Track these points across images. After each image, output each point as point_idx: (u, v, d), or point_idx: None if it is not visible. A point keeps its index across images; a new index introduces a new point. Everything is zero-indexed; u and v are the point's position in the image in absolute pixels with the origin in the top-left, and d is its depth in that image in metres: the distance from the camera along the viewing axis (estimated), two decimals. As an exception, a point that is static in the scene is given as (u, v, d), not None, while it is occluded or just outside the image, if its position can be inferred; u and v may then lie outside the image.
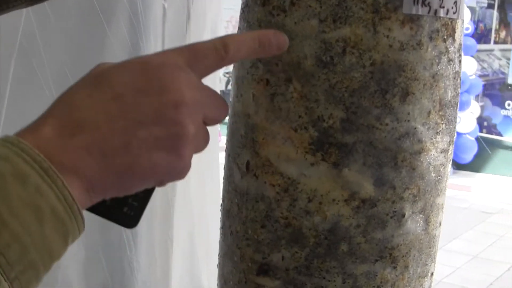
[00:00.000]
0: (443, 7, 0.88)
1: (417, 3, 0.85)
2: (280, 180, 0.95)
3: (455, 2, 0.90)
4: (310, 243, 0.95)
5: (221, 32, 1.36)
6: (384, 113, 0.90)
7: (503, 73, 5.34)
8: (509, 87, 5.36)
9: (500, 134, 5.27)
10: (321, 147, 0.91)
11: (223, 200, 1.07)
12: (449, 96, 0.96)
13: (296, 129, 0.92)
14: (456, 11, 0.91)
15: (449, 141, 1.00)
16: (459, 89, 1.01)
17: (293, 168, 0.94)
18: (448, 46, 0.93)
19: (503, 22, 5.51)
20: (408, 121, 0.91)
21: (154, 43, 1.20)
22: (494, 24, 5.59)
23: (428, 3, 0.86)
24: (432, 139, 0.95)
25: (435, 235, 1.07)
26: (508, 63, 5.36)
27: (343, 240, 0.94)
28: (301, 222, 0.95)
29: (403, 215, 0.97)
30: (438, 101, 0.94)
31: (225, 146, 1.07)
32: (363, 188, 0.93)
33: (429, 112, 0.93)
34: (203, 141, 0.48)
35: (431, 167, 0.97)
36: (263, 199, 0.97)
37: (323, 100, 0.90)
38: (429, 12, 0.87)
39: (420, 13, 0.86)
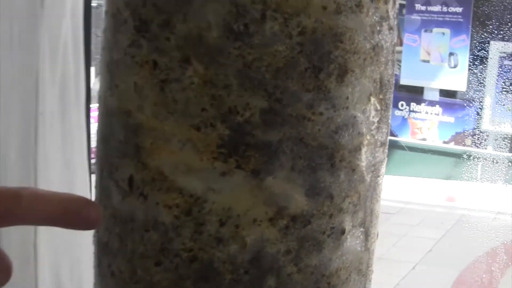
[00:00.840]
0: (385, -42, 0.68)
1: None
2: (179, 199, 0.70)
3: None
4: (226, 281, 0.71)
5: (81, 17, 1.08)
6: (318, 99, 0.68)
7: (395, 74, 5.43)
8: (402, 88, 5.45)
9: (395, 135, 5.32)
10: (235, 151, 0.68)
11: (96, 231, 0.80)
12: (389, 74, 0.77)
13: (199, 127, 0.68)
14: (398, -35, 0.71)
15: (387, 132, 0.80)
16: (395, 65, 0.82)
17: (196, 182, 0.70)
18: (389, 10, 0.73)
19: (391, 23, 5.61)
20: (347, 108, 0.70)
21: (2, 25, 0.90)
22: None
23: None
24: (371, 130, 0.75)
25: (373, 250, 0.87)
26: (400, 65, 5.44)
27: (270, 272, 0.71)
28: (211, 254, 0.71)
29: (343, 232, 0.75)
30: (378, 80, 0.74)
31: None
32: (293, 201, 0.70)
33: (370, 95, 0.73)
34: None
35: (371, 166, 0.77)
36: (156, 227, 0.72)
37: (236, 86, 0.66)
38: (370, -38, 0.66)
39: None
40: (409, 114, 5.38)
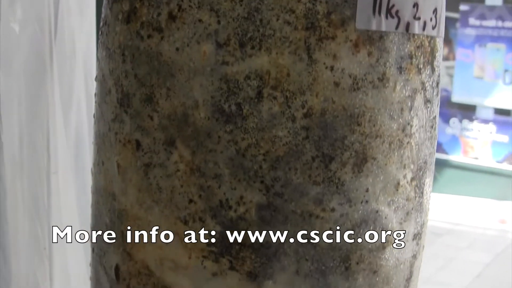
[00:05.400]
0: (418, 19, 0.51)
1: (379, 13, 0.47)
2: (166, 299, 0.56)
3: (435, 11, 0.54)
4: None
5: (94, 70, 0.94)
6: (329, 193, 0.52)
7: (446, 90, 5.08)
8: (454, 105, 5.11)
9: (446, 153, 5.00)
10: (227, 250, 0.53)
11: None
12: (425, 155, 0.59)
13: (187, 221, 0.53)
14: (436, 25, 0.54)
15: (424, 220, 0.63)
16: (436, 142, 0.64)
17: (185, 281, 0.55)
18: (425, 80, 0.56)
19: (445, 39, 5.26)
20: (367, 201, 0.54)
21: (7, 79, 0.78)
22: (436, 41, 5.28)
23: (397, 12, 0.48)
24: (401, 223, 0.58)
25: None
26: (451, 81, 5.10)
27: None
28: None
29: None
30: (409, 166, 0.57)
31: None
32: (299, 310, 0.54)
33: (398, 184, 0.56)
34: None
35: (400, 264, 0.59)
36: (142, 327, 0.58)
37: (228, 176, 0.51)
38: (397, 26, 0.50)
39: (384, 28, 0.49)
40: (461, 132, 5.02)
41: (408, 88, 0.54)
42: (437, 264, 3.56)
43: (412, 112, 0.55)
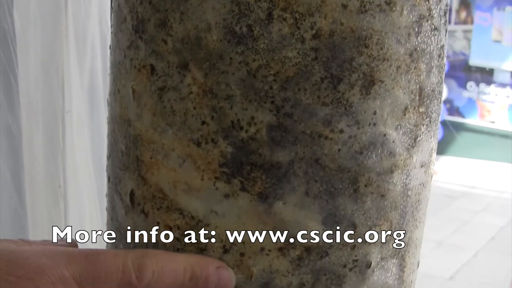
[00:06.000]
0: None
1: None
2: (180, 220, 0.58)
3: None
4: (230, 314, 0.59)
5: (109, 7, 0.96)
6: (337, 114, 0.54)
7: (464, 54, 5.02)
8: (471, 69, 5.06)
9: (463, 116, 4.97)
10: (239, 170, 0.55)
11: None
12: (432, 83, 0.61)
13: (199, 143, 0.55)
14: (444, -49, 0.55)
15: (432, 148, 0.65)
16: (444, 72, 0.65)
17: (197, 203, 0.57)
18: (432, 7, 0.57)
19: (463, 2, 5.17)
20: (375, 124, 0.56)
21: (23, 22, 0.80)
22: (455, 4, 5.23)
23: None
24: (409, 149, 0.60)
25: (411, 281, 0.72)
26: (469, 44, 5.04)
27: (280, 308, 0.59)
28: (214, 283, 0.58)
29: (369, 265, 0.61)
30: (417, 91, 0.59)
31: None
32: (307, 230, 0.57)
33: (405, 109, 0.58)
34: None
35: (407, 190, 0.62)
36: (157, 247, 0.61)
37: (239, 97, 0.53)
38: None
39: None
40: (478, 95, 4.99)
41: (415, 13, 0.55)
42: (452, 227, 3.58)
43: (419, 38, 0.56)
